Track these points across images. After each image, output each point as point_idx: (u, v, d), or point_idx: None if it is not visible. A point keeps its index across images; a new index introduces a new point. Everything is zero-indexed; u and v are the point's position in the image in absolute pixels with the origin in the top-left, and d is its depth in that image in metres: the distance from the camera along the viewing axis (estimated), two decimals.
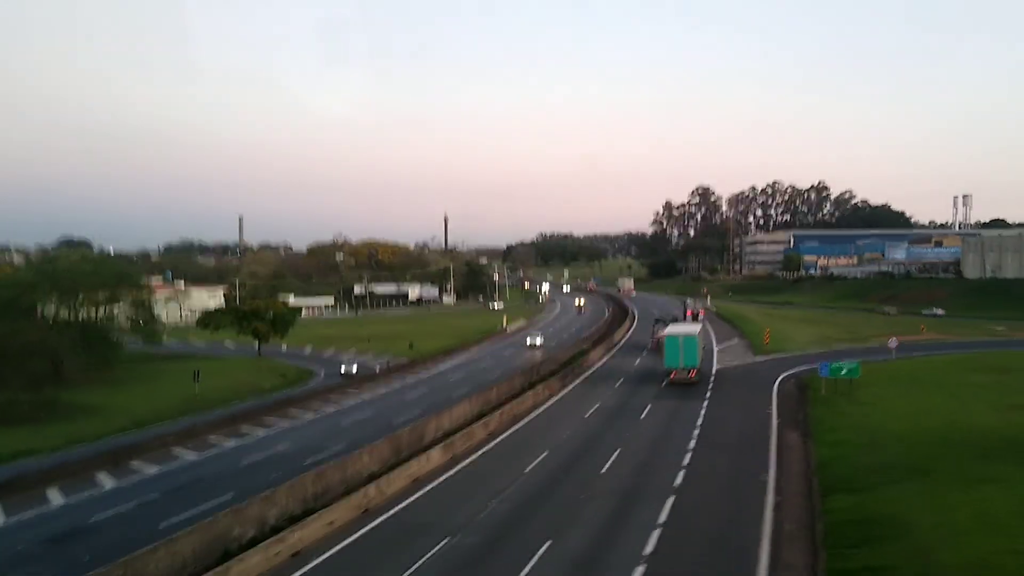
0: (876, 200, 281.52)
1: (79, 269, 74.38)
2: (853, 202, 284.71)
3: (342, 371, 73.97)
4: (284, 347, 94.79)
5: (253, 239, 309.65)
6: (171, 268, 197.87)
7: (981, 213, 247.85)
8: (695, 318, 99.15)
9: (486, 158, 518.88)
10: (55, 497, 35.27)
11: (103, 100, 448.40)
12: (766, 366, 68.17)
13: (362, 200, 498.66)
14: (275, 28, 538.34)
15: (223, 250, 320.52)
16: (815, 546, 25.21)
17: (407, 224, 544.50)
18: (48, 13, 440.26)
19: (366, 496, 30.85)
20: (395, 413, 53.35)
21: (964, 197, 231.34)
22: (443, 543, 26.09)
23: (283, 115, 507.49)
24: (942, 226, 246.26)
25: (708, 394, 54.05)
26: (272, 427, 50.39)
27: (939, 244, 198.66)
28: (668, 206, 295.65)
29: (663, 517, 27.91)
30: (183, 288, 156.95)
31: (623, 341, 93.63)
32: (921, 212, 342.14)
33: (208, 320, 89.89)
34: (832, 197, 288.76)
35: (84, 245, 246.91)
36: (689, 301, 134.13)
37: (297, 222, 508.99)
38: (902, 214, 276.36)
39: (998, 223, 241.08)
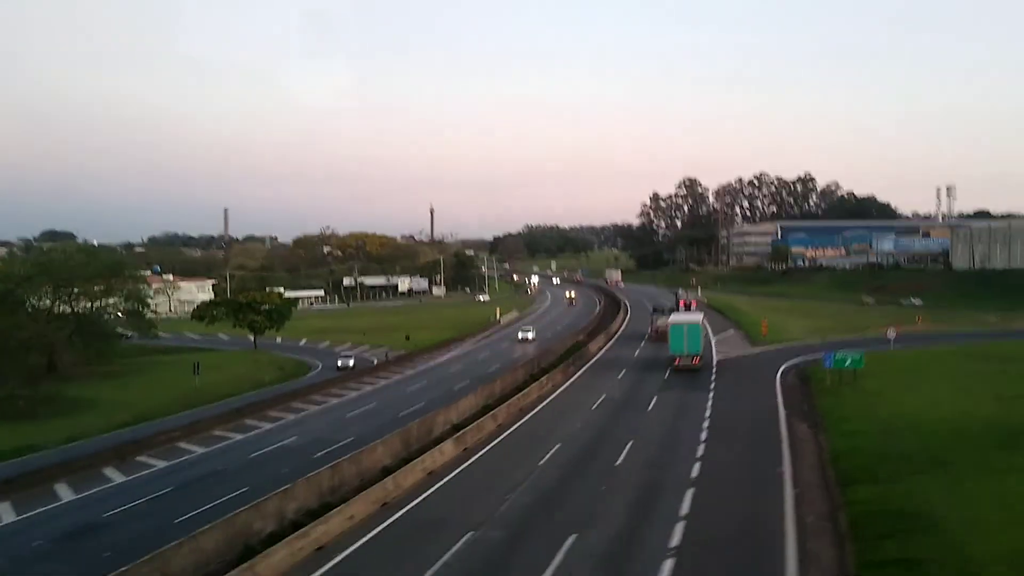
0: (861, 191, 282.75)
1: (74, 261, 73.69)
2: (839, 193, 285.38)
3: (339, 365, 73.40)
4: (279, 340, 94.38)
5: (238, 231, 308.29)
6: (158, 261, 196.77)
7: (964, 204, 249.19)
8: (687, 308, 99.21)
9: (472, 150, 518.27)
10: (64, 493, 34.91)
11: (86, 92, 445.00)
12: (765, 357, 68.34)
13: (348, 193, 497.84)
14: (259, 19, 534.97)
15: (208, 242, 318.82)
16: (840, 538, 25.16)
17: (393, 216, 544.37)
18: (29, 4, 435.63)
19: (384, 490, 30.60)
20: (398, 405, 53.16)
21: (948, 188, 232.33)
22: (466, 537, 25.82)
23: (267, 107, 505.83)
24: (925, 217, 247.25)
25: (712, 385, 54.09)
26: (276, 421, 50.09)
27: (927, 235, 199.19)
28: (655, 197, 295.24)
29: (685, 509, 27.77)
30: (172, 281, 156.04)
31: (619, 332, 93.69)
32: (905, 203, 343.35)
33: (204, 312, 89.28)
34: (818, 188, 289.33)
35: (67, 238, 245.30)
36: (681, 292, 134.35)
37: (282, 214, 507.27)
38: (887, 205, 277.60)
39: (982, 214, 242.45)
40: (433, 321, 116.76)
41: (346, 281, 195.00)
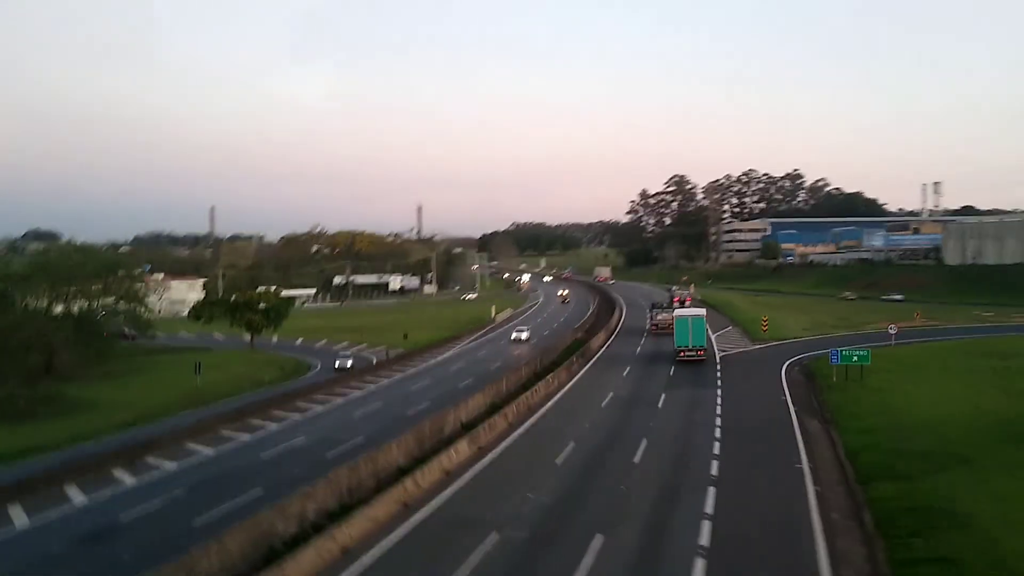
0: (849, 188, 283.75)
1: (72, 261, 73.02)
2: (827, 190, 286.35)
3: (336, 366, 72.14)
4: (275, 339, 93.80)
5: (224, 230, 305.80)
6: (146, 260, 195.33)
7: (950, 201, 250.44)
8: (681, 305, 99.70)
9: (459, 148, 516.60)
10: (76, 495, 34.36)
11: (69, 90, 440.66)
12: (767, 353, 68.54)
13: (334, 191, 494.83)
14: (245, 19, 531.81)
15: (194, 241, 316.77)
16: (867, 536, 25.10)
17: (381, 215, 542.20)
18: (11, 2, 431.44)
19: (404, 490, 30.32)
20: (404, 404, 52.87)
21: (935, 184, 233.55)
22: (492, 538, 25.58)
23: (252, 106, 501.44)
24: (911, 213, 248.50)
25: (719, 382, 54.11)
26: (282, 420, 49.57)
27: (916, 231, 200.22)
28: (644, 194, 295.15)
29: (709, 508, 27.64)
30: (162, 280, 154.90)
31: (618, 328, 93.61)
32: (891, 200, 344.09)
33: (200, 311, 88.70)
34: (806, 185, 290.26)
35: (52, 237, 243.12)
36: (675, 288, 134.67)
37: (269, 213, 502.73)
38: (875, 202, 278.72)
39: (968, 210, 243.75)
40: (428, 319, 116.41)
41: (337, 280, 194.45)
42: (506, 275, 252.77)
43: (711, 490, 29.65)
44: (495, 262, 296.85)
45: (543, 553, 24.46)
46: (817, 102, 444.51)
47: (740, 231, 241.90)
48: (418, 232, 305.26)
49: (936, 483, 28.66)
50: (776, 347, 72.02)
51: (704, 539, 24.65)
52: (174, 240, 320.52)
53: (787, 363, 61.22)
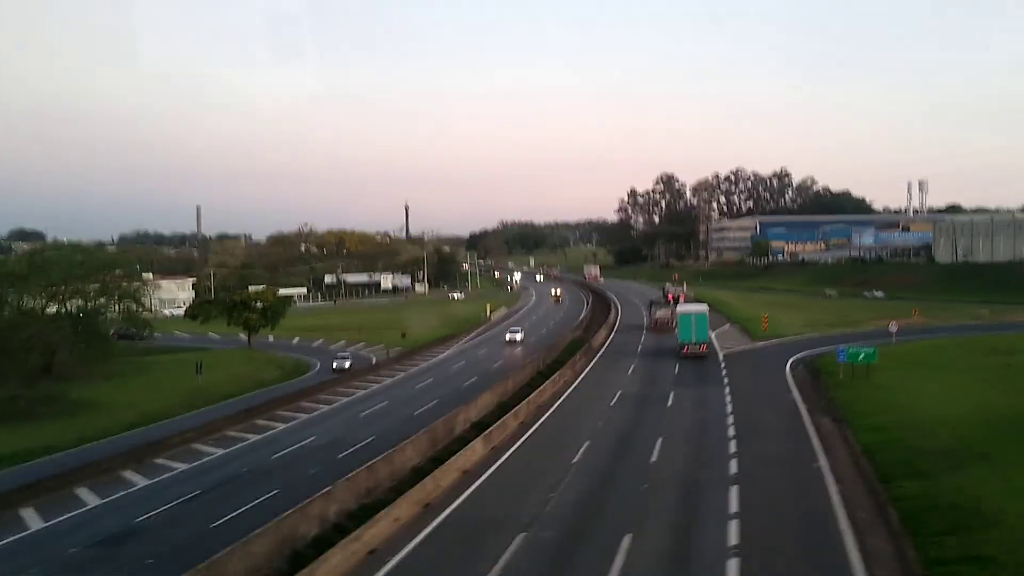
0: (837, 187, 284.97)
1: (71, 259, 72.35)
2: (815, 188, 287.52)
3: (334, 367, 70.65)
4: (271, 338, 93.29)
5: (210, 229, 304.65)
6: (135, 259, 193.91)
7: (935, 199, 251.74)
8: (675, 302, 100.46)
9: (446, 147, 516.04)
10: (88, 498, 34.03)
11: (52, 90, 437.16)
12: (770, 351, 68.62)
13: (321, 190, 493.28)
14: (230, 18, 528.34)
15: (181, 240, 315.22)
16: (893, 534, 25.01)
17: (368, 214, 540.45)
18: None
19: (424, 490, 30.13)
20: (410, 404, 52.68)
21: (920, 183, 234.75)
22: (520, 538, 25.38)
23: (238, 104, 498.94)
24: (896, 212, 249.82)
25: (726, 380, 54.12)
26: (289, 421, 49.28)
27: (906, 229, 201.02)
28: (633, 193, 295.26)
29: (734, 507, 27.51)
30: (152, 279, 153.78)
31: (616, 326, 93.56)
32: (876, 198, 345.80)
33: (197, 311, 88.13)
34: (794, 184, 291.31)
35: (37, 236, 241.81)
36: (668, 286, 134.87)
37: (255, 212, 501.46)
38: (863, 200, 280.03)
39: (954, 208, 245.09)
40: (423, 318, 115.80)
41: (328, 279, 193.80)
42: (497, 274, 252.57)
43: (733, 489, 29.52)
44: (482, 260, 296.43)
45: (574, 553, 24.31)
46: (804, 101, 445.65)
47: (729, 229, 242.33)
48: (407, 231, 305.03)
49: (959, 481, 28.54)
50: (777, 345, 72.03)
51: (733, 538, 24.51)
52: (160, 239, 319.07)
53: (790, 361, 61.21)
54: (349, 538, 24.78)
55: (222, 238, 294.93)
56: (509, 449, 37.71)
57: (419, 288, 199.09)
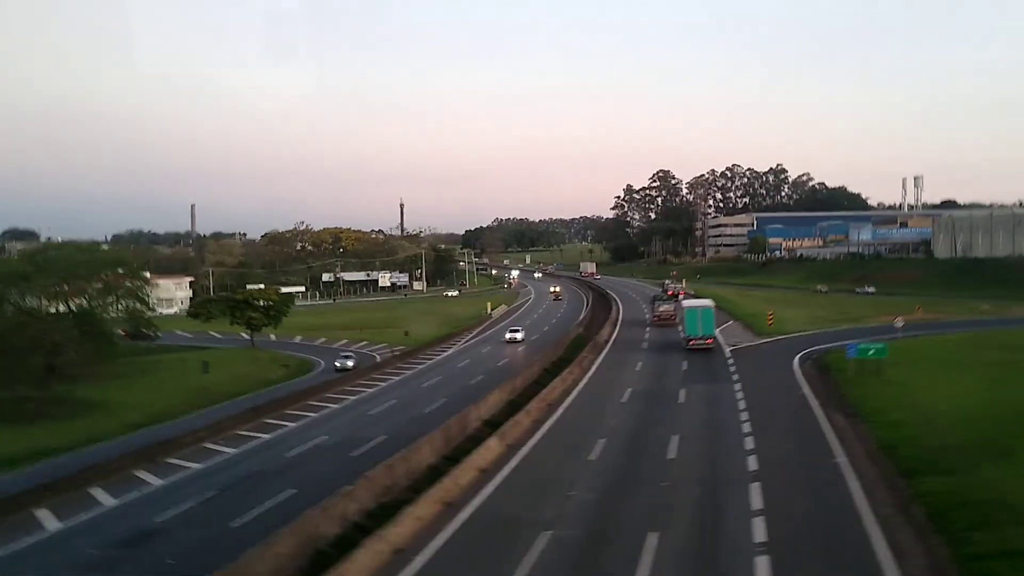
0: (832, 182, 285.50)
1: (74, 259, 71.91)
2: (811, 184, 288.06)
3: (337, 366, 69.98)
4: (272, 337, 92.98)
5: (204, 228, 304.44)
6: (140, 258, 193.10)
7: (930, 195, 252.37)
8: (675, 298, 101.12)
9: (439, 144, 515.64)
10: (103, 498, 33.72)
11: (45, 88, 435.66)
12: (775, 347, 68.59)
13: (314, 188, 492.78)
14: (222, 17, 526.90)
15: (174, 239, 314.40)
16: (921, 530, 24.87)
17: (361, 211, 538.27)
18: None
19: (444, 489, 29.92)
20: (419, 402, 52.46)
21: (916, 179, 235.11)
22: (545, 537, 25.20)
23: (231, 103, 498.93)
24: (890, 207, 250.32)
25: (735, 377, 53.97)
26: (299, 420, 48.92)
27: (904, 225, 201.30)
28: (629, 189, 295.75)
29: (757, 504, 27.37)
30: (150, 278, 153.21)
31: (619, 322, 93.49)
32: (872, 194, 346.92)
33: (200, 309, 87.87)
34: (790, 180, 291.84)
35: (30, 236, 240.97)
36: (668, 282, 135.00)
37: (249, 210, 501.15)
38: (859, 196, 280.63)
39: (949, 204, 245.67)
40: (423, 316, 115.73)
41: (325, 277, 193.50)
42: (495, 271, 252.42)
43: (755, 486, 29.38)
44: (477, 258, 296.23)
45: (601, 552, 24.13)
46: (799, 97, 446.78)
47: (726, 226, 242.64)
48: (401, 229, 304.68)
49: (981, 476, 28.43)
50: (782, 341, 72.01)
51: (760, 535, 24.37)
52: (154, 238, 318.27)
53: (797, 357, 61.16)
54: (374, 537, 24.56)
55: (216, 237, 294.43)
56: (524, 447, 37.50)
57: (417, 286, 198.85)
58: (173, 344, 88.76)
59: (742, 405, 44.33)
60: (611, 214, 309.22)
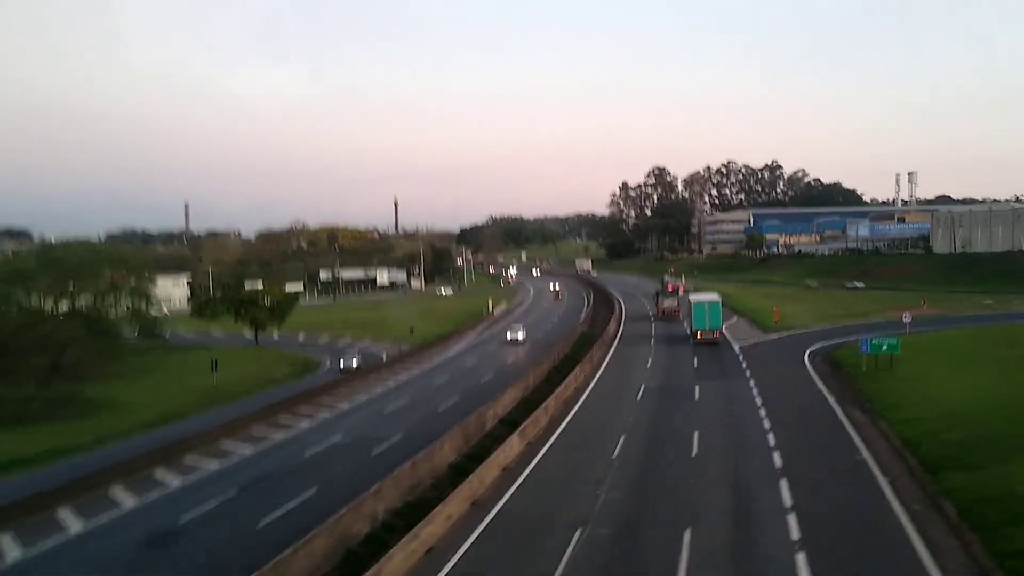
0: (827, 178, 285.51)
1: (81, 258, 71.45)
2: (806, 180, 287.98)
3: (341, 366, 68.46)
4: (276, 335, 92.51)
5: (198, 226, 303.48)
6: (144, 256, 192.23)
7: (925, 191, 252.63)
8: (676, 293, 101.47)
9: (434, 141, 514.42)
10: (124, 498, 33.41)
11: (38, 87, 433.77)
12: (784, 343, 68.71)
13: (308, 186, 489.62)
14: (216, 16, 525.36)
15: (169, 238, 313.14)
16: (953, 526, 24.83)
17: (355, 209, 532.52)
18: None
19: (471, 487, 29.76)
20: (432, 400, 52.24)
21: (910, 174, 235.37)
22: (577, 535, 25.11)
23: (225, 101, 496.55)
24: (885, 203, 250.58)
25: (748, 373, 54.01)
26: (313, 419, 48.58)
27: (901, 220, 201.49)
28: (625, 186, 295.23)
29: (788, 500, 27.37)
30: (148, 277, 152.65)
31: (623, 318, 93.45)
32: (866, 190, 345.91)
33: (204, 308, 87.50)
34: (785, 176, 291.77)
35: (23, 235, 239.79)
36: (667, 278, 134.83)
37: (243, 208, 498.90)
38: (854, 191, 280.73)
39: (943, 199, 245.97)
40: (425, 314, 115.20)
41: (323, 275, 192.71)
42: (492, 269, 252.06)
43: (783, 482, 29.39)
44: (472, 256, 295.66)
45: (636, 550, 24.04)
46: (794, 94, 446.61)
47: (723, 222, 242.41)
48: (396, 226, 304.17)
49: (1006, 472, 28.42)
50: (790, 337, 72.10)
51: (795, 532, 24.37)
52: (148, 237, 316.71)
53: (807, 352, 61.28)
54: (408, 537, 24.37)
55: (211, 235, 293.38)
56: (545, 444, 37.44)
57: (415, 284, 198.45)
58: (176, 343, 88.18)
59: (759, 401, 44.34)
60: (607, 211, 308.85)
